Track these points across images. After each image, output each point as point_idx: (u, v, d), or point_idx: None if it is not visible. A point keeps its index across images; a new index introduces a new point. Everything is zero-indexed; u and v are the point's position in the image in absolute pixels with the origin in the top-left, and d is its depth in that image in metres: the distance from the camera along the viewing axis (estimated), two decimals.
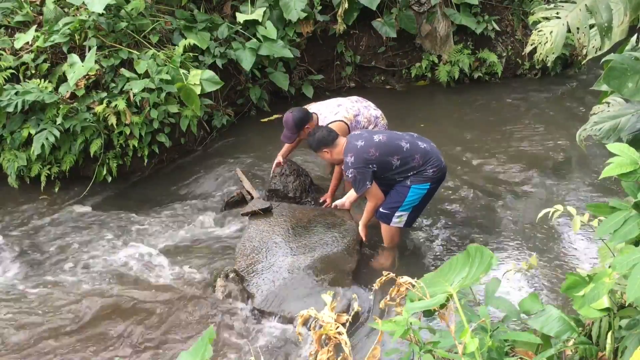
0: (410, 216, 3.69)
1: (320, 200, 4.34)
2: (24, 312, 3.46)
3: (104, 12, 4.62)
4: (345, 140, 3.66)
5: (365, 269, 3.75)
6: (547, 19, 2.24)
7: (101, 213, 4.51)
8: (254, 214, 4.03)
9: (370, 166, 3.52)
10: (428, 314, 1.69)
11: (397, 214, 3.66)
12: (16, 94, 4.41)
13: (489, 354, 1.50)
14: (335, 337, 1.59)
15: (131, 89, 4.64)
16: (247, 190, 4.56)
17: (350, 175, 3.55)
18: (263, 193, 4.50)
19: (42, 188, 4.63)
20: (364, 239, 3.83)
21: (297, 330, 1.72)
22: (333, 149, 3.67)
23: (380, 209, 3.70)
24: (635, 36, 2.33)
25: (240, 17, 5.73)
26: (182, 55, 5.02)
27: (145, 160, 4.91)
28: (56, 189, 4.69)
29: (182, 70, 4.84)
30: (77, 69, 4.49)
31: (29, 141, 4.55)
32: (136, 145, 4.76)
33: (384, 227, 3.80)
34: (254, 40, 5.64)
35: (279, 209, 4.07)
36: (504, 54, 7.03)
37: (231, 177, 4.95)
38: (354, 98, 4.29)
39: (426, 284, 1.67)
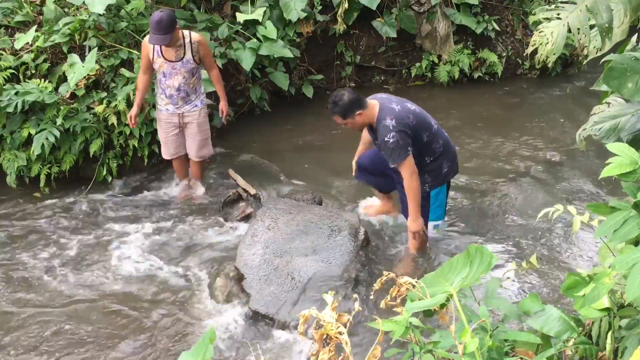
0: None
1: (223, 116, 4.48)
2: (15, 313, 3.46)
3: (104, 12, 4.62)
4: (375, 101, 3.31)
5: (366, 270, 3.75)
6: (547, 19, 2.25)
7: (99, 213, 4.51)
8: (245, 204, 4.03)
9: (409, 133, 3.20)
10: (428, 314, 1.69)
11: (432, 224, 3.57)
12: (16, 94, 4.41)
13: (489, 354, 1.50)
14: (337, 337, 1.59)
15: (131, 90, 4.64)
16: (242, 189, 4.57)
17: (391, 140, 3.15)
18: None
19: (41, 187, 4.62)
20: (421, 232, 3.44)
21: (298, 330, 1.72)
22: (366, 111, 3.27)
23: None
24: (635, 36, 2.33)
25: (240, 17, 5.73)
26: None
27: (145, 160, 4.91)
28: (49, 189, 4.68)
29: None
30: (78, 69, 4.49)
31: (29, 141, 4.54)
32: (136, 145, 4.77)
33: (410, 238, 3.71)
34: (254, 40, 5.64)
35: (282, 207, 4.05)
36: (504, 54, 7.03)
37: (229, 177, 4.96)
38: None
39: (426, 284, 1.67)
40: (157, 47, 4.03)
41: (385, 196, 3.97)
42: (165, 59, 4.06)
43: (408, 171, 3.24)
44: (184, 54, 4.08)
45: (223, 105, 4.49)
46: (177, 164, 4.64)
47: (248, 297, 3.38)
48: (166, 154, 4.54)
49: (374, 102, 3.31)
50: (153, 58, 4.07)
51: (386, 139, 3.17)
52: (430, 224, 3.59)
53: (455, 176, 4.92)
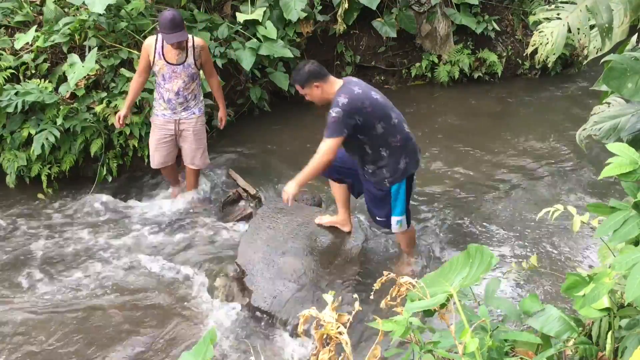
0: (407, 216, 3.58)
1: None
2: (15, 313, 3.46)
3: (104, 12, 4.62)
4: (341, 80, 3.34)
5: (366, 270, 3.75)
6: (547, 19, 2.25)
7: (99, 214, 4.50)
8: (245, 204, 4.01)
9: (357, 118, 3.16)
10: (428, 313, 1.69)
11: (394, 219, 3.51)
12: (16, 94, 4.41)
13: (489, 354, 1.50)
14: (337, 337, 1.59)
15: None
16: (242, 189, 4.57)
17: (333, 114, 3.13)
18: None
19: (44, 189, 4.63)
20: (285, 200, 3.26)
21: (299, 330, 1.72)
22: (324, 84, 3.27)
23: (377, 218, 3.59)
24: (635, 36, 2.33)
25: (240, 17, 5.73)
26: None
27: (146, 160, 4.91)
28: (51, 190, 4.68)
29: None
30: (78, 69, 4.49)
31: (29, 141, 4.55)
32: (136, 145, 4.77)
33: (396, 235, 3.74)
34: (254, 40, 5.64)
35: (283, 207, 4.05)
36: (504, 54, 7.04)
37: (229, 177, 4.96)
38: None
39: (427, 284, 1.67)
40: (159, 49, 3.99)
41: (346, 209, 3.83)
42: (166, 61, 4.02)
43: (327, 149, 3.17)
44: (186, 58, 4.03)
45: (222, 113, 4.44)
46: (167, 171, 4.56)
47: (249, 293, 3.38)
48: (153, 163, 4.42)
49: (339, 80, 3.32)
50: (154, 60, 4.02)
51: (330, 111, 3.17)
52: (394, 219, 3.51)
53: (455, 175, 4.95)
